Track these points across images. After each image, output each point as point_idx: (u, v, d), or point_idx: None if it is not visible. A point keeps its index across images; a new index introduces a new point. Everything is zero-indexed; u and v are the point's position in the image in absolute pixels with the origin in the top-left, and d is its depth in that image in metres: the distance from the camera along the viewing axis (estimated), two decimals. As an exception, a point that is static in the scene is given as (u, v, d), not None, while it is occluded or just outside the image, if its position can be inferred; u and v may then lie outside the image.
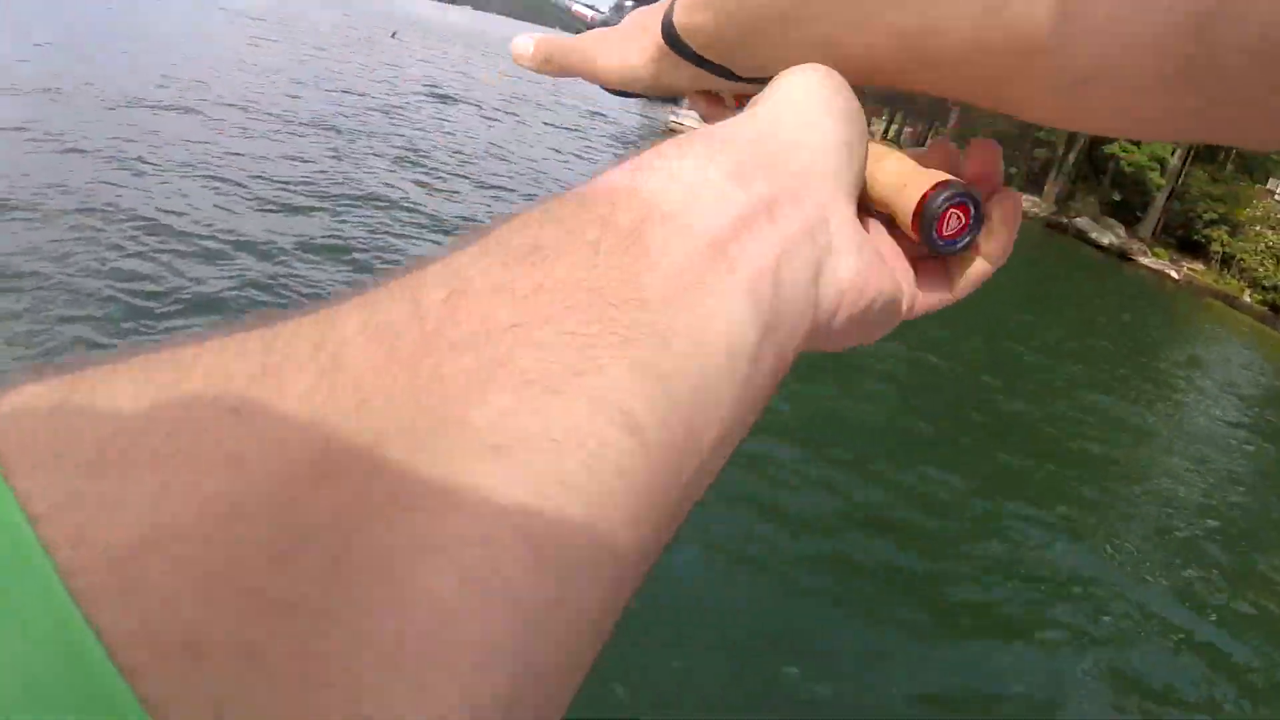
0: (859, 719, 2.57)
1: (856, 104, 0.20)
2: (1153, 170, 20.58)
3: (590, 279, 0.13)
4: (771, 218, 0.16)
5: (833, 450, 4.12)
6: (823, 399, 4.60)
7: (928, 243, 0.20)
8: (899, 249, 0.22)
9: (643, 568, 0.13)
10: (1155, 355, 10.42)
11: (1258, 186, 23.97)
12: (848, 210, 0.18)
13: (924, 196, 0.20)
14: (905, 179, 0.21)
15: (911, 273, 0.22)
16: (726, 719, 2.46)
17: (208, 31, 15.40)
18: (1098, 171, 24.46)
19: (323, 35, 19.33)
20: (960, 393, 5.93)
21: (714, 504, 3.10)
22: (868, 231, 0.20)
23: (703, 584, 2.87)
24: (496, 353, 0.11)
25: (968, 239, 0.21)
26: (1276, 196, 24.43)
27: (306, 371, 0.10)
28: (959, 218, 0.20)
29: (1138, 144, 20.60)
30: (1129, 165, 20.68)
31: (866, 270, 0.18)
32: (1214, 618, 3.74)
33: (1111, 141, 21.31)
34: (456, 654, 0.09)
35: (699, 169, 0.16)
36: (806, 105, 0.19)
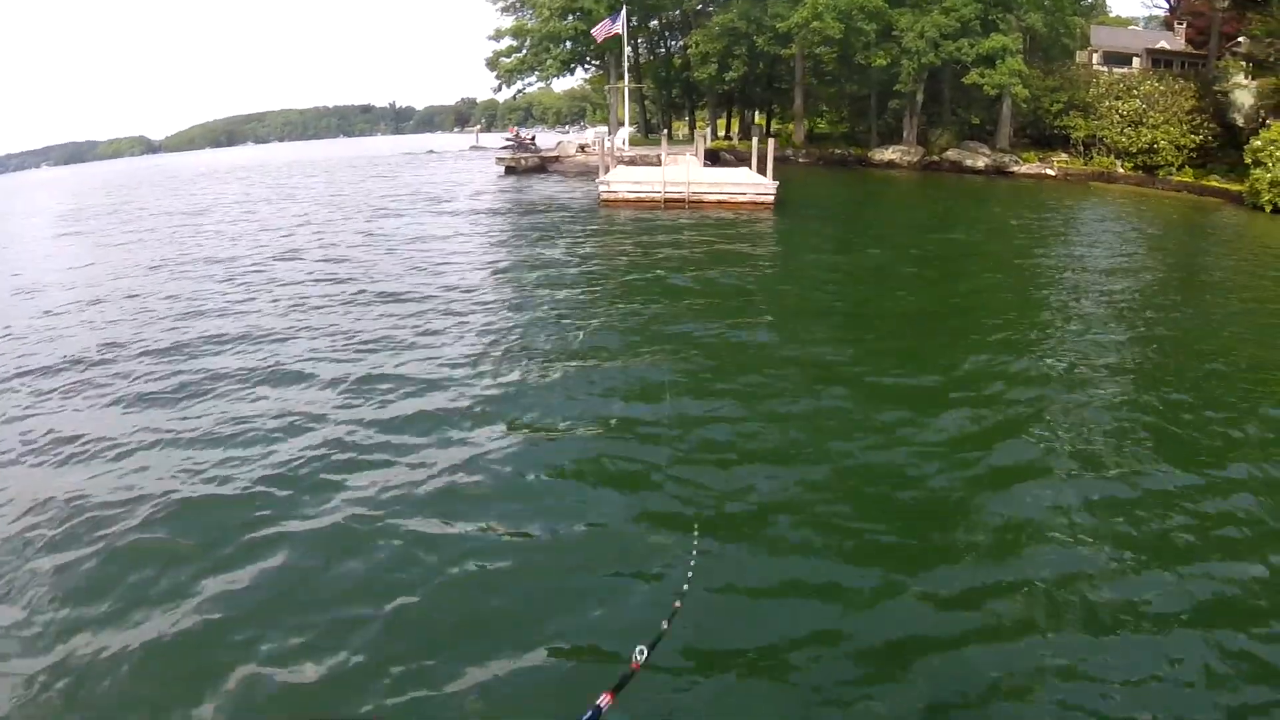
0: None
1: None
2: (1015, 84, 19.94)
3: None
4: None
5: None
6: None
7: None
8: None
9: None
10: (1056, 241, 11.72)
11: (1079, 65, 24.21)
12: None
13: None
14: None
15: None
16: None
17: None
18: (939, 103, 24.10)
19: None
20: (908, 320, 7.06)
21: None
22: None
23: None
24: None
25: None
26: (1094, 64, 24.82)
27: None
28: None
29: (992, 66, 19.93)
30: (991, 88, 19.98)
31: None
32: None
33: (966, 73, 20.57)
34: None
35: None
36: None
